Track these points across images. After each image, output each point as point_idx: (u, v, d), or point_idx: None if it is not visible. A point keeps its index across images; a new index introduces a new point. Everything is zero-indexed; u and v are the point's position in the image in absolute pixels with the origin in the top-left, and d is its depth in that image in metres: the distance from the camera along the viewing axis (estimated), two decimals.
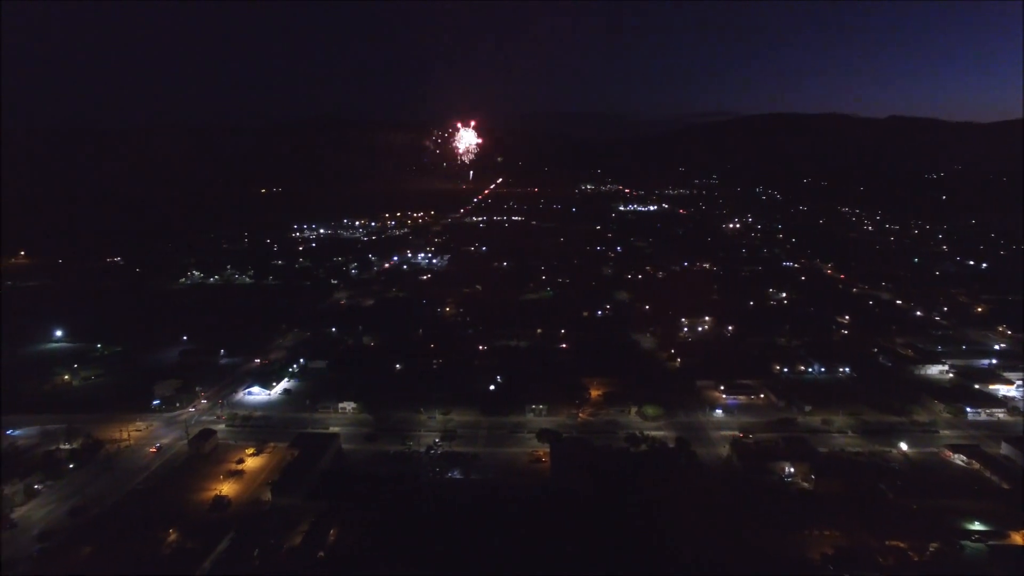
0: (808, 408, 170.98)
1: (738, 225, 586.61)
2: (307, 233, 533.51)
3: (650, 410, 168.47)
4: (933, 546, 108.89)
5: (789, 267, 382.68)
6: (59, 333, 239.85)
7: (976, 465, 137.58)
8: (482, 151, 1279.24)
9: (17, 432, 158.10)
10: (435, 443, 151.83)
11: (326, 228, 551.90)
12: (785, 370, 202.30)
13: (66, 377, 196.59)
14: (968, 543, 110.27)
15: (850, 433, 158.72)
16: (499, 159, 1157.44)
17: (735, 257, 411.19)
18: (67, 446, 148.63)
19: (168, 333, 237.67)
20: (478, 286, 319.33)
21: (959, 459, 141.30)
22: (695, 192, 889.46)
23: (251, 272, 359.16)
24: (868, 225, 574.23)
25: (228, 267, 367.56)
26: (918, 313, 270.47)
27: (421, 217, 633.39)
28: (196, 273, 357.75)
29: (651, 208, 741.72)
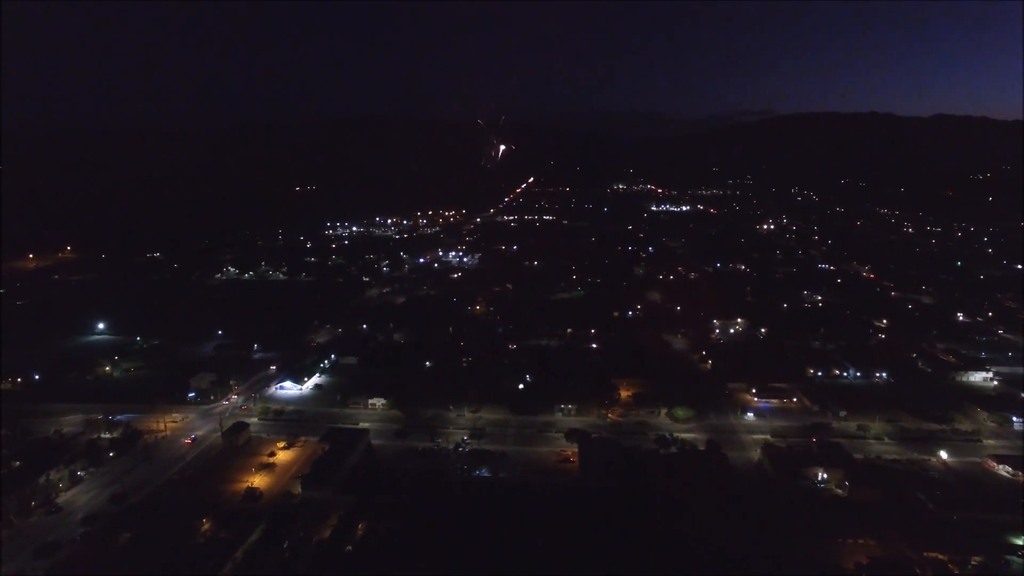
0: (843, 413, 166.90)
1: (773, 226, 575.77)
2: (340, 231, 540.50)
3: (680, 412, 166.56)
4: (976, 560, 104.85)
5: (825, 269, 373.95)
6: (101, 326, 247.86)
7: (1021, 477, 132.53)
8: (514, 150, 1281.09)
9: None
10: (464, 440, 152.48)
11: (359, 226, 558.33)
12: (819, 374, 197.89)
13: (107, 369, 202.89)
14: (1014, 558, 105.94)
15: (887, 440, 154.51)
16: (531, 158, 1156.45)
17: (769, 258, 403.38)
18: (108, 435, 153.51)
19: (204, 328, 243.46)
20: (509, 285, 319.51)
21: (1004, 470, 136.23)
22: (729, 192, 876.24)
23: (284, 269, 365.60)
24: (909, 227, 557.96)
25: (263, 264, 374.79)
26: (960, 318, 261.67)
27: (453, 216, 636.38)
28: (231, 269, 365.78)
29: (684, 208, 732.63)
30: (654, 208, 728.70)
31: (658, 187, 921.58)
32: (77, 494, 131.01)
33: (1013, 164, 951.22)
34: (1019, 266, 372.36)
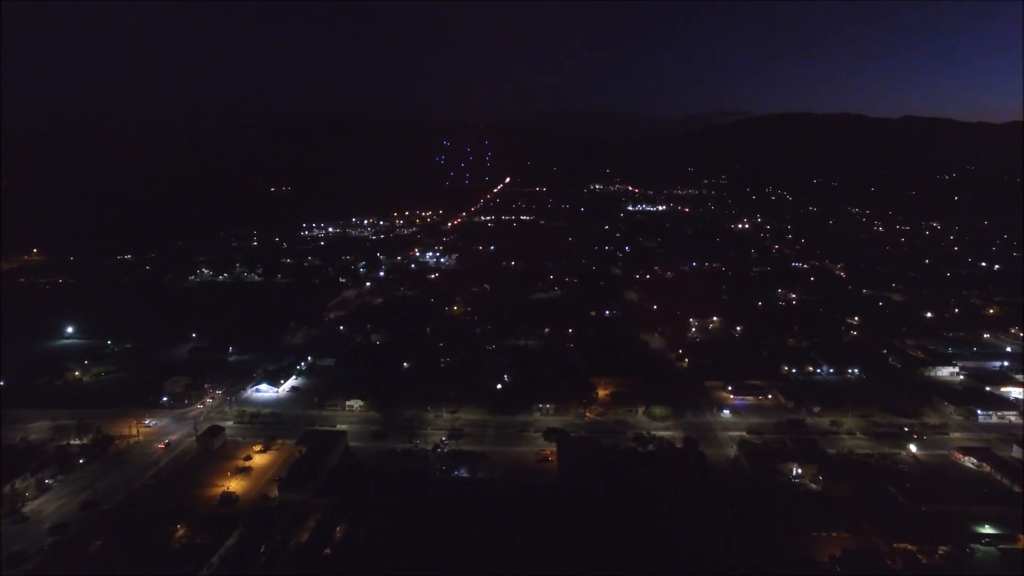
0: (817, 409, 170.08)
1: (747, 225, 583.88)
2: (316, 232, 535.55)
3: (658, 410, 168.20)
4: (943, 549, 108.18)
5: (799, 268, 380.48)
6: (71, 330, 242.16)
7: (987, 468, 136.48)
8: (491, 150, 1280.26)
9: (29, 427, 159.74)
10: (442, 441, 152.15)
11: (335, 227, 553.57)
12: (794, 371, 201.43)
13: (77, 373, 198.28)
14: (978, 547, 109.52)
15: (859, 435, 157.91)
16: (508, 158, 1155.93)
17: (744, 257, 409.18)
18: (78, 441, 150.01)
19: (178, 330, 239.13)
20: (486, 285, 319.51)
21: (970, 462, 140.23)
22: (704, 192, 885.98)
23: (260, 270, 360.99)
24: (879, 226, 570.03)
25: (238, 265, 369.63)
26: (929, 315, 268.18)
27: (430, 216, 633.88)
28: (206, 271, 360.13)
29: (660, 208, 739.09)
30: (631, 208, 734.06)
31: (634, 187, 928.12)
32: (45, 502, 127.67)
33: (976, 164, 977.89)
34: (983, 264, 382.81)
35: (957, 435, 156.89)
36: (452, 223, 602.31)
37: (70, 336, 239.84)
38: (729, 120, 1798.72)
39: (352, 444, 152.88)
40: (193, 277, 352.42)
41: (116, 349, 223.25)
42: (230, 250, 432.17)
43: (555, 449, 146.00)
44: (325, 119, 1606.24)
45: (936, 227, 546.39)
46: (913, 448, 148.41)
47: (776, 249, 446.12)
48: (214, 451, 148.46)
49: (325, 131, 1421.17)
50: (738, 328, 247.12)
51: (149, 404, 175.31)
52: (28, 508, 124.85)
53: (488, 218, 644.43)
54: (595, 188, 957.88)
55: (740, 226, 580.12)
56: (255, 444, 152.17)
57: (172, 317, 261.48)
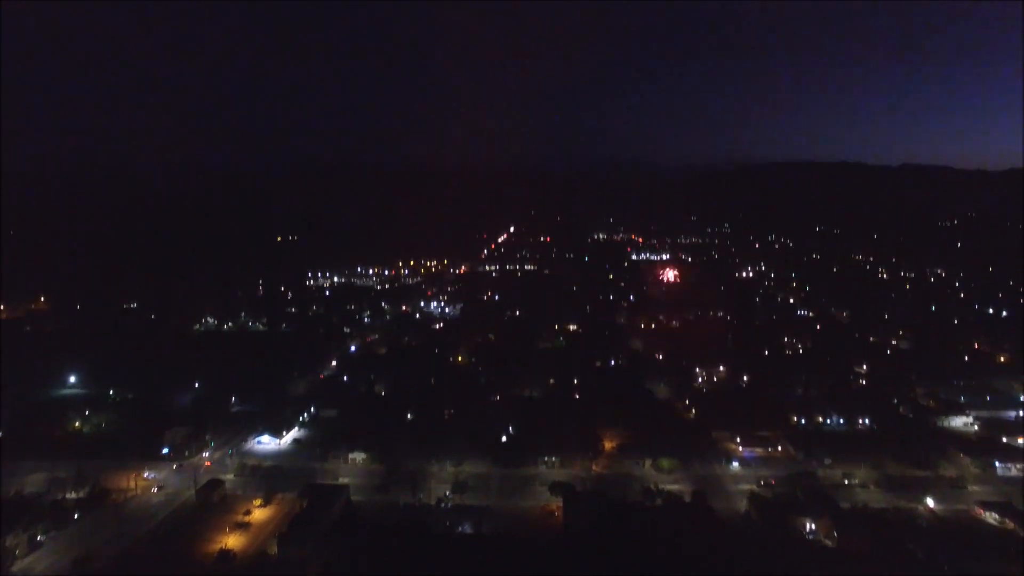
0: (828, 460, 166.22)
1: (751, 273, 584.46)
2: (322, 281, 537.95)
3: (665, 463, 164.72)
4: None
5: (804, 315, 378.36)
6: (73, 379, 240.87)
7: (1010, 525, 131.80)
8: (495, 199, 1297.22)
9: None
10: (446, 495, 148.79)
11: (340, 276, 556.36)
12: (803, 421, 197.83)
13: (77, 423, 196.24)
14: None
15: (873, 487, 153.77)
16: (512, 207, 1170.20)
17: (749, 305, 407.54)
18: (74, 494, 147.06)
19: (181, 380, 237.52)
20: (491, 335, 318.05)
21: (992, 517, 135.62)
22: (707, 240, 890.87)
23: (265, 319, 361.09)
24: (883, 273, 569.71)
25: (242, 314, 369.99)
26: (938, 362, 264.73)
27: (435, 266, 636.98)
28: (210, 320, 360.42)
29: (664, 256, 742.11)
30: (634, 257, 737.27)
31: (637, 236, 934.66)
32: (36, 560, 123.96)
33: (976, 211, 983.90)
34: (990, 310, 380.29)
35: (976, 488, 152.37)
36: (457, 272, 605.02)
37: (72, 385, 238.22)
38: (730, 168, 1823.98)
39: (354, 498, 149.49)
40: (198, 326, 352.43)
41: (118, 398, 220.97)
42: (235, 298, 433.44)
43: (561, 503, 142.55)
44: (331, 168, 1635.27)
45: (940, 274, 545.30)
46: (931, 502, 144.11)
47: (780, 297, 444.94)
48: (213, 505, 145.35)
49: (331, 180, 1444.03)
50: (745, 377, 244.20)
51: (149, 455, 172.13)
52: (17, 566, 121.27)
53: (493, 267, 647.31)
54: (599, 237, 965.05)
55: (744, 274, 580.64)
56: (255, 498, 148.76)
57: (175, 366, 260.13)
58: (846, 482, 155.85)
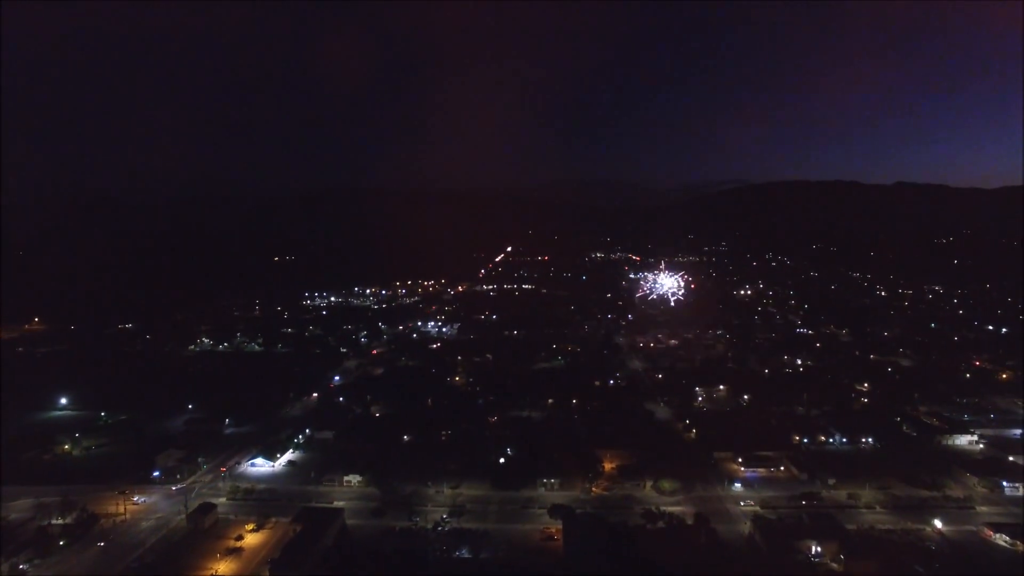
0: (832, 481, 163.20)
1: (750, 292, 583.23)
2: (318, 301, 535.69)
3: (666, 484, 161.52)
4: None
5: (804, 334, 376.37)
6: (64, 401, 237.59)
7: (1020, 547, 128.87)
8: (492, 219, 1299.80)
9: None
10: (443, 519, 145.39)
11: (337, 296, 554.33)
12: (805, 441, 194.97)
13: (67, 447, 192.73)
14: None
15: (879, 509, 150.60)
16: (509, 227, 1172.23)
17: (748, 324, 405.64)
18: (61, 520, 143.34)
19: (174, 401, 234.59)
20: (488, 355, 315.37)
21: (1001, 539, 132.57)
22: (705, 259, 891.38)
23: (261, 340, 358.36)
24: (881, 290, 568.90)
25: (238, 335, 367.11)
26: (940, 380, 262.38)
27: (432, 285, 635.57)
28: (206, 340, 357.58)
29: (662, 275, 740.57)
30: (632, 276, 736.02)
31: (635, 255, 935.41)
32: None
33: (972, 229, 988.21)
34: (990, 327, 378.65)
35: (984, 509, 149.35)
36: (454, 292, 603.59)
37: (63, 407, 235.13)
38: (726, 188, 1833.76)
39: (349, 522, 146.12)
40: (193, 347, 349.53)
41: (109, 421, 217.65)
42: (232, 319, 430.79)
43: (561, 527, 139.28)
44: (329, 189, 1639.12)
45: (938, 291, 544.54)
46: (938, 523, 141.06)
47: (779, 315, 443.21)
48: (205, 530, 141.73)
49: (329, 201, 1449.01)
50: (745, 396, 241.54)
51: (140, 479, 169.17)
52: None
53: (490, 287, 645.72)
54: (596, 256, 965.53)
55: (742, 293, 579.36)
56: (248, 522, 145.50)
57: (169, 388, 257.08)
58: (851, 503, 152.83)
